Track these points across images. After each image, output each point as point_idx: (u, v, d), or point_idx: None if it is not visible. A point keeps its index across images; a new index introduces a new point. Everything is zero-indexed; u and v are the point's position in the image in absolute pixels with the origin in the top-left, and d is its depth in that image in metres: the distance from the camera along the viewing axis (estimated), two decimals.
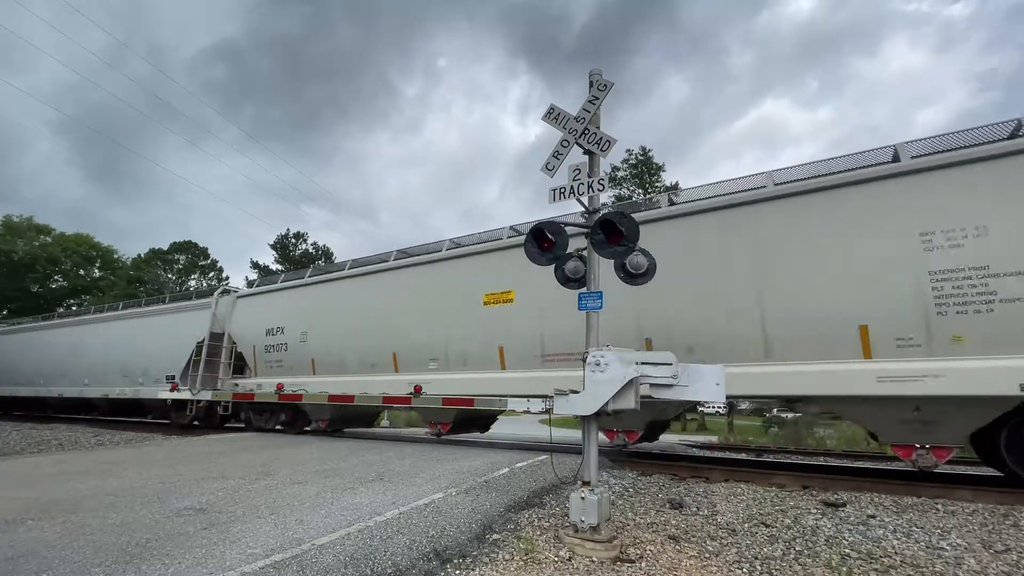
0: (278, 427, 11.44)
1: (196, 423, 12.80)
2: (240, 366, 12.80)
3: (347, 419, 11.48)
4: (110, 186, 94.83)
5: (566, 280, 4.34)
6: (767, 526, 4.32)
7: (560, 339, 7.60)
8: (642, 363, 3.68)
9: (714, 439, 17.63)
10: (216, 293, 13.44)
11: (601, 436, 8.29)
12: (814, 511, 4.81)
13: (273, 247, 46.63)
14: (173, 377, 13.03)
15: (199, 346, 12.63)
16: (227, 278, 47.45)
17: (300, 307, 11.59)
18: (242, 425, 12.56)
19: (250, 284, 13.61)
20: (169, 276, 46.02)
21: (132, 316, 15.48)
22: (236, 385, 12.21)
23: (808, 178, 6.48)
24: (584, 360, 3.80)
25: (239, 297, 13.11)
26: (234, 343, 12.74)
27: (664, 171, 34.49)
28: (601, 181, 4.26)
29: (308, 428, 11.28)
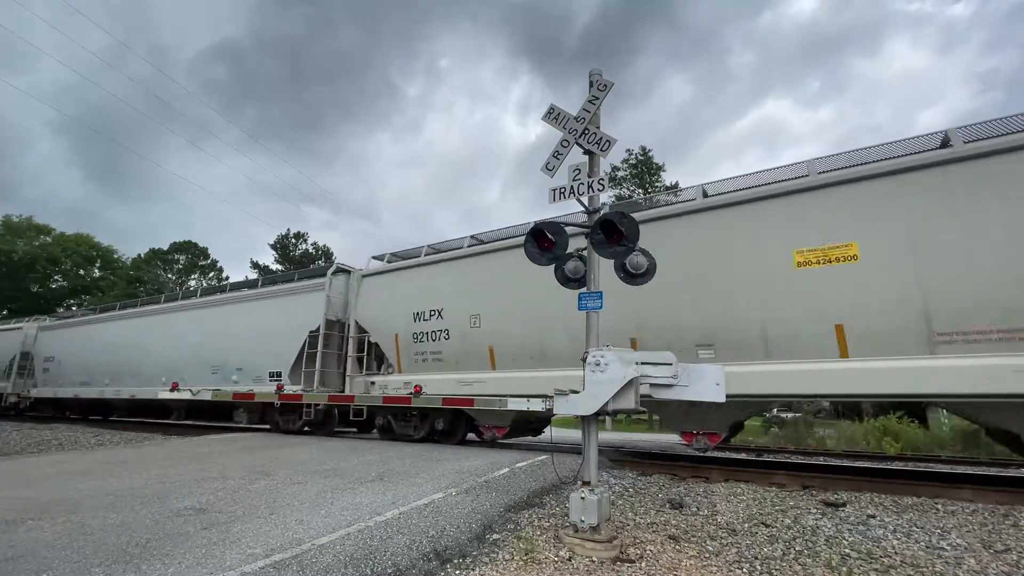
0: (426, 435, 9.31)
1: (307, 429, 10.84)
2: (369, 360, 10.82)
3: (523, 424, 9.30)
4: (110, 186, 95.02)
5: (566, 280, 4.35)
6: (767, 526, 4.32)
7: (963, 309, 5.32)
8: (642, 363, 3.68)
9: None
10: (329, 272, 11.11)
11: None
12: (814, 511, 4.81)
13: (273, 247, 46.73)
14: (279, 375, 11.11)
15: (312, 337, 10.67)
16: (227, 277, 47.48)
17: (466, 283, 9.03)
18: (350, 430, 11.21)
19: (378, 257, 11.07)
20: (169, 276, 46.07)
21: (222, 303, 13.15)
22: (372, 384, 10.06)
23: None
24: (584, 360, 3.80)
25: (366, 276, 10.79)
26: (365, 332, 10.49)
27: (664, 171, 34.57)
28: (601, 181, 4.27)
29: (480, 438, 9.12)
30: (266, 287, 12.68)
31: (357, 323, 10.57)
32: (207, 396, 12.19)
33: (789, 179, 6.71)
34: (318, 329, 10.60)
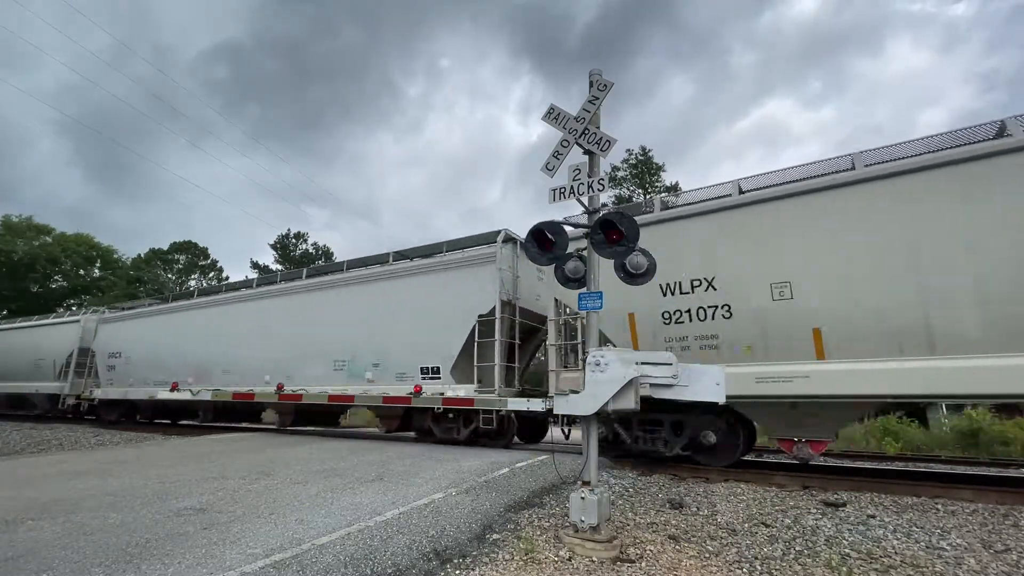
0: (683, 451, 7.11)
1: (476, 438, 8.73)
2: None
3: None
4: (111, 186, 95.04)
5: (566, 280, 4.35)
6: (767, 526, 4.32)
7: None
8: (642, 363, 3.68)
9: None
10: (499, 239, 8.84)
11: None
12: (814, 511, 4.81)
13: (273, 247, 46.69)
14: (435, 371, 8.93)
15: (483, 323, 8.56)
16: (227, 277, 47.46)
17: (760, 238, 6.53)
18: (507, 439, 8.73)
19: (572, 223, 8.23)
20: (169, 276, 46.06)
21: (345, 284, 10.65)
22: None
23: None
24: (584, 360, 3.80)
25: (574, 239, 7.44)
26: (574, 317, 7.87)
27: (664, 171, 34.52)
28: (601, 181, 4.27)
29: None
30: (400, 263, 10.22)
31: (559, 304, 8.04)
32: (207, 396, 12.11)
33: None
34: (491, 312, 8.41)
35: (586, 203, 4.33)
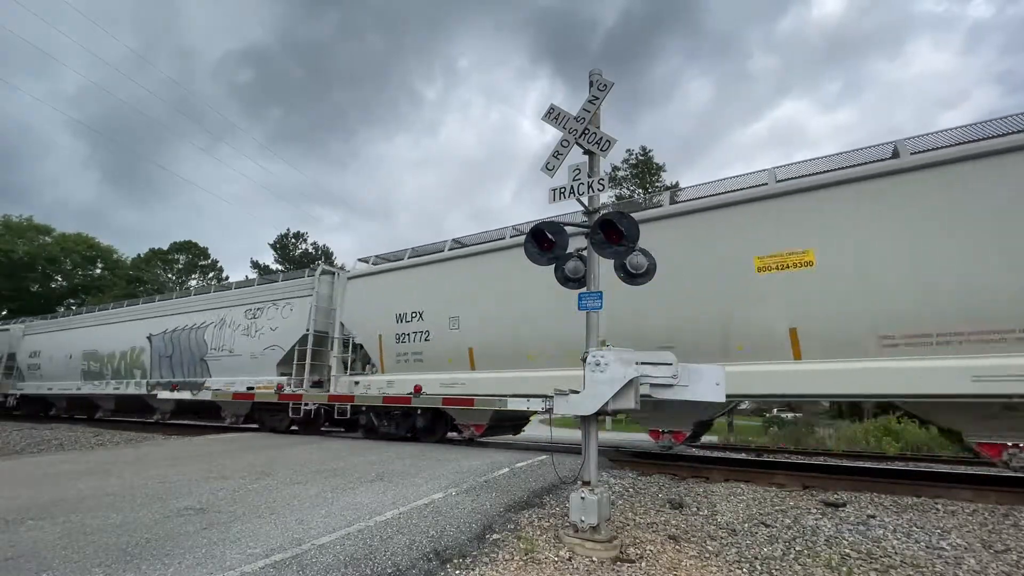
0: None
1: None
2: None
3: None
4: (125, 189, 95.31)
5: (566, 280, 4.34)
6: (767, 526, 4.32)
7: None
8: (642, 363, 3.68)
9: (714, 439, 17.62)
10: None
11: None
12: (814, 511, 4.81)
13: (273, 247, 46.71)
14: None
15: None
16: (227, 277, 47.45)
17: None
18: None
19: None
20: (169, 276, 46.07)
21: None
22: None
23: None
24: (584, 360, 3.80)
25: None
26: None
27: (664, 171, 34.55)
28: (601, 181, 4.27)
29: None
30: None
31: None
32: (207, 396, 12.05)
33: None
34: None
35: (586, 203, 4.33)
